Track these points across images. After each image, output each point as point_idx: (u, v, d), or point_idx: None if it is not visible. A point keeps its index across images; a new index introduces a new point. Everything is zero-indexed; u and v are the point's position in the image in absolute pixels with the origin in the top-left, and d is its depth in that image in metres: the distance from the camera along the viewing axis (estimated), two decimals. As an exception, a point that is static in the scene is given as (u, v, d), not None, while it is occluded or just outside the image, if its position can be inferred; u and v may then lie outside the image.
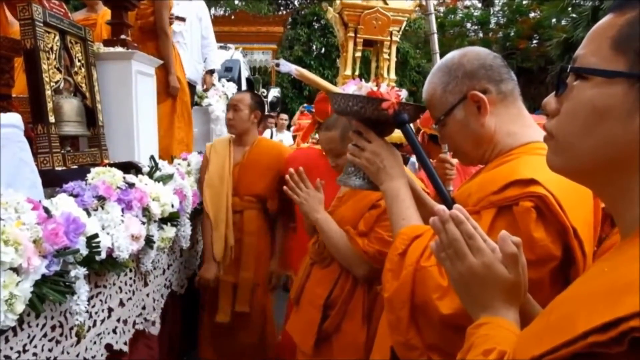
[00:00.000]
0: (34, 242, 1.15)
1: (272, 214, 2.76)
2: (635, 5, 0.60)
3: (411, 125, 1.23)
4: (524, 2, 15.52)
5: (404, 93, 1.20)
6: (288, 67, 1.44)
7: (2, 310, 1.05)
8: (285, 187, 1.77)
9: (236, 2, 16.60)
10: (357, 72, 4.14)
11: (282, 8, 17.80)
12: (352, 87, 1.21)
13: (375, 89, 1.17)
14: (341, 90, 1.27)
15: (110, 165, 2.13)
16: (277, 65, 1.44)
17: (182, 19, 3.89)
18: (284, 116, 7.48)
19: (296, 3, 18.26)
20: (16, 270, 1.10)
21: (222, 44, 6.85)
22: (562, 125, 0.66)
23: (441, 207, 0.79)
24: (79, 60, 2.45)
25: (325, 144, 1.88)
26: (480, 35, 16.92)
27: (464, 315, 0.82)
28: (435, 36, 1.76)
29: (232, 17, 10.38)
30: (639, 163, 0.57)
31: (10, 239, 1.08)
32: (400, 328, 1.02)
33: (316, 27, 16.18)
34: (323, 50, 16.06)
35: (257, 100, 2.76)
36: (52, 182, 1.78)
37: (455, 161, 2.10)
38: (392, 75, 4.21)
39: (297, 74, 1.43)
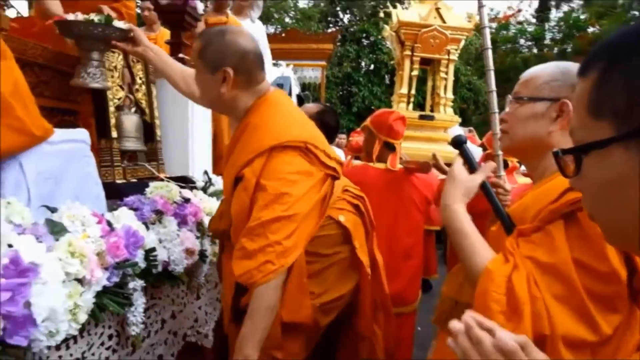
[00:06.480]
0: (98, 254, 1.20)
1: None
2: (595, 66, 0.57)
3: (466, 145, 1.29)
4: (582, 17, 14.98)
5: None
6: None
7: (66, 319, 1.09)
8: None
9: (287, 20, 17.00)
10: (412, 91, 4.11)
11: (331, 25, 18.05)
12: None
13: None
14: None
15: (167, 179, 2.20)
16: None
17: None
18: (342, 135, 7.10)
19: (345, 20, 18.45)
20: (80, 281, 1.14)
21: (273, 61, 7.00)
22: (588, 206, 0.63)
23: (454, 324, 0.74)
24: (140, 78, 2.56)
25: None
26: (535, 51, 16.44)
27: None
28: (490, 51, 1.70)
29: (284, 35, 10.60)
30: None
31: (76, 251, 1.12)
32: None
33: (365, 43, 16.27)
34: (372, 67, 16.11)
35: (322, 118, 2.29)
36: (113, 194, 1.85)
37: (509, 187, 2.03)
38: (449, 95, 4.15)
39: None
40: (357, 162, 2.88)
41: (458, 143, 1.27)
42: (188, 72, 1.83)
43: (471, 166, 1.25)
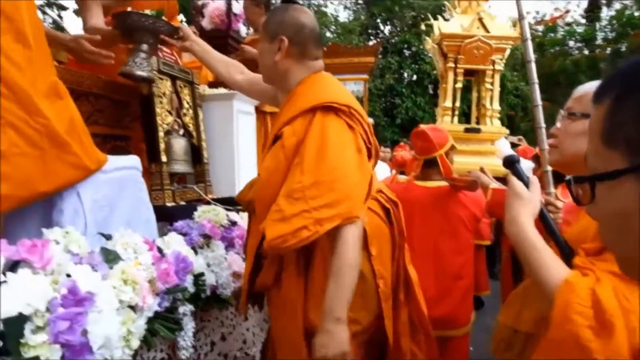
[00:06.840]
0: (149, 281, 1.23)
1: None
2: (609, 94, 0.55)
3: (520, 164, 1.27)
4: (637, 14, 14.24)
5: None
6: None
7: (120, 345, 1.13)
8: None
9: (328, 34, 17.15)
10: (457, 104, 4.02)
11: (372, 38, 18.06)
12: None
13: None
14: None
15: (214, 200, 2.25)
16: None
17: None
18: (386, 149, 6.88)
19: (386, 32, 18.42)
20: (133, 308, 1.18)
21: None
22: (601, 235, 0.61)
23: None
24: (187, 103, 2.65)
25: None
26: (586, 52, 15.76)
27: None
28: (533, 64, 1.64)
29: (325, 49, 10.65)
30: None
31: (129, 279, 1.16)
32: None
33: (407, 54, 16.16)
34: (415, 77, 15.95)
35: None
36: (163, 217, 1.91)
37: (561, 204, 1.95)
38: (496, 106, 4.03)
39: None
40: (402, 178, 2.84)
41: (510, 163, 1.27)
42: (230, 63, 1.98)
43: (525, 186, 1.22)
